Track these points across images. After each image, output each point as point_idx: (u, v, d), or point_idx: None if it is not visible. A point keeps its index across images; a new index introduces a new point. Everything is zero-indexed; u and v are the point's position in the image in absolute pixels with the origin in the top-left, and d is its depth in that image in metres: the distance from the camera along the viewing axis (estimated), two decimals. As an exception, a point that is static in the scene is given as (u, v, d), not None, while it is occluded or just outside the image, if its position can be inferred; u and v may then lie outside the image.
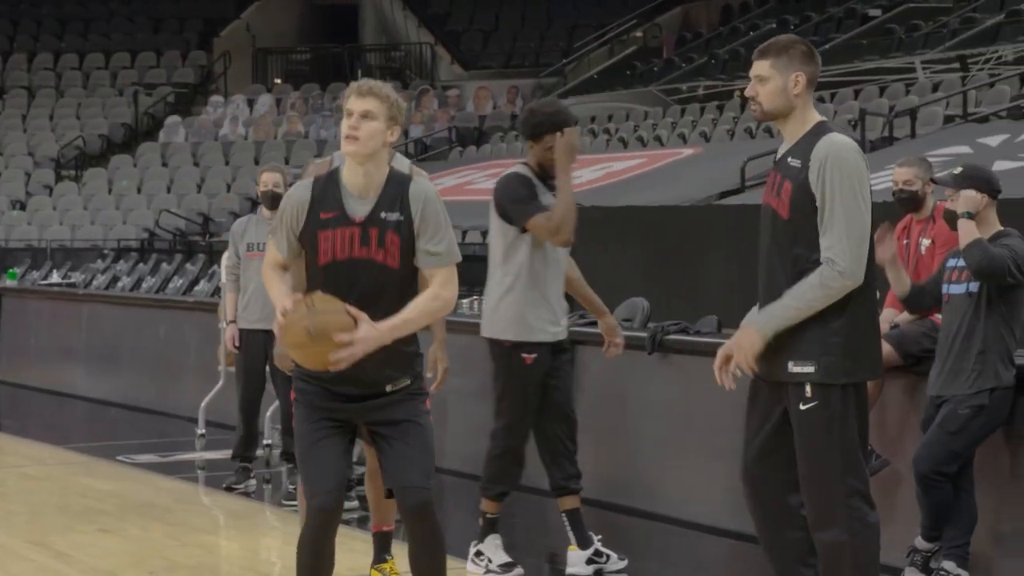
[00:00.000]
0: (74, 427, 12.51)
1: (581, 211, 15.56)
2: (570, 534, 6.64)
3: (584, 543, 6.63)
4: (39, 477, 9.71)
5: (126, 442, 10.92)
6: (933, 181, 6.30)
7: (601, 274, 12.54)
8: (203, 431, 10.57)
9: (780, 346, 4.79)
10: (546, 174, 6.45)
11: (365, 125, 4.70)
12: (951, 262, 6.10)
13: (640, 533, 7.63)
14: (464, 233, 14.97)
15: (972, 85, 16.69)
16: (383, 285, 4.70)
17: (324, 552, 4.79)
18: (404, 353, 4.79)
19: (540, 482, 8.47)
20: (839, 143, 4.77)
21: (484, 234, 15.91)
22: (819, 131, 4.82)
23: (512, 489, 6.67)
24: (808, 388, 4.77)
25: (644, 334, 7.93)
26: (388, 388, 4.78)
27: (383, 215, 4.72)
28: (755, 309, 4.98)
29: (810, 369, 4.76)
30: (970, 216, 5.93)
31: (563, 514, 6.65)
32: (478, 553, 6.66)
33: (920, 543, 6.05)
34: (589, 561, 6.62)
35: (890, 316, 6.52)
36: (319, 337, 4.54)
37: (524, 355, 6.41)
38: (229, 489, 8.90)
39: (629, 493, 7.97)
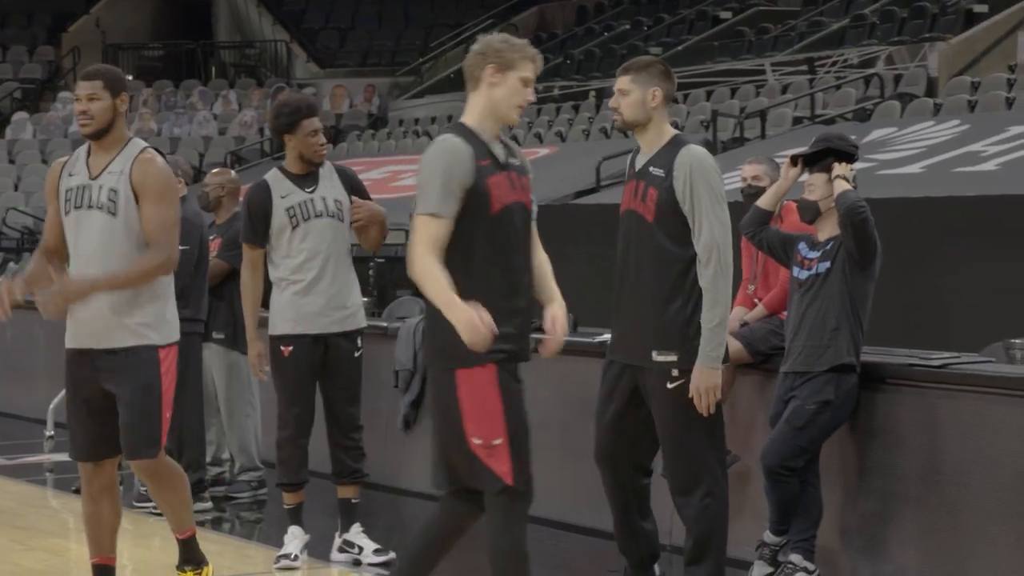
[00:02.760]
0: (-83, 430, 12.19)
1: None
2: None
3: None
4: None
5: (-29, 445, 10.68)
6: (793, 159, 6.28)
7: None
8: (52, 433, 10.37)
9: (644, 337, 5.47)
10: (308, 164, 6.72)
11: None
12: (802, 248, 6.16)
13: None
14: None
15: (819, 87, 17.04)
16: None
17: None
18: None
19: (397, 480, 8.48)
20: (699, 154, 5.46)
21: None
22: (677, 143, 5.52)
23: (301, 479, 6.76)
24: (675, 371, 5.45)
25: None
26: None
27: None
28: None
29: (673, 357, 5.45)
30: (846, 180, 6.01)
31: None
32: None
33: (768, 537, 6.17)
34: (341, 549, 6.85)
35: (740, 314, 6.62)
36: None
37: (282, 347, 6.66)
38: (78, 492, 8.70)
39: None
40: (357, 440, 6.81)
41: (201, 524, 7.65)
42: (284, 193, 6.67)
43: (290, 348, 6.64)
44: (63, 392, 10.19)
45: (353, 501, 6.83)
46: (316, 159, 6.70)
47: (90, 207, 5.41)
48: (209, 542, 7.21)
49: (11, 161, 23.95)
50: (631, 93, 5.53)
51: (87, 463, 5.58)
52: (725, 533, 5.64)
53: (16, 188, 23.04)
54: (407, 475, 8.50)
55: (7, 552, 7.08)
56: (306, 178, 6.70)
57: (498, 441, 4.79)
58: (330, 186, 6.73)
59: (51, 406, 10.41)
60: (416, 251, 4.68)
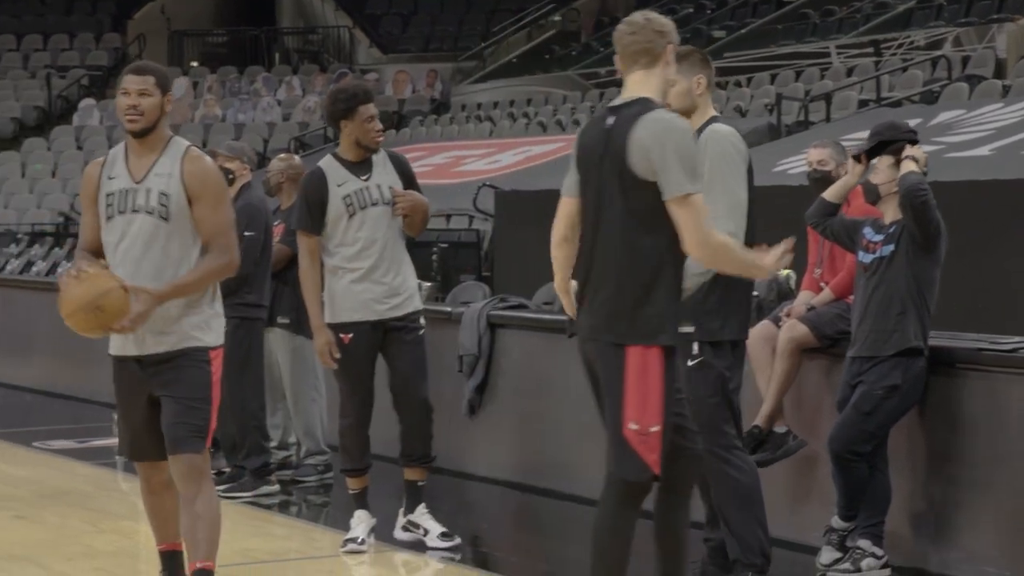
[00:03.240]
0: (-12, 414, 12.36)
1: (501, 195, 15.71)
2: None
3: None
4: (-47, 464, 9.59)
5: (42, 428, 10.80)
6: (855, 157, 6.27)
7: (521, 257, 12.60)
8: (120, 417, 10.47)
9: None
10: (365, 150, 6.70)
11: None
12: (867, 232, 6.13)
13: (560, 515, 7.67)
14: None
15: (885, 70, 16.89)
16: None
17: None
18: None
19: (463, 465, 8.51)
20: (720, 130, 5.54)
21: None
22: (708, 124, 5.57)
23: (364, 465, 6.79)
24: (695, 347, 5.50)
25: (564, 317, 7.95)
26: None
27: None
28: None
29: (689, 329, 5.39)
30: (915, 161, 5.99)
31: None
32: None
33: (836, 522, 6.14)
34: (404, 528, 6.90)
35: (806, 299, 6.59)
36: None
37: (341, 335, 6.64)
38: (147, 475, 8.83)
39: (548, 475, 8.01)
40: (427, 423, 6.80)
41: (268, 508, 7.73)
42: (340, 181, 6.65)
43: (350, 336, 6.63)
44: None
45: (419, 483, 6.84)
46: (373, 145, 6.69)
47: (135, 211, 5.17)
48: (276, 525, 7.29)
49: (79, 147, 24.19)
50: (677, 83, 5.46)
51: (143, 462, 5.43)
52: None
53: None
54: (471, 459, 8.53)
55: (79, 534, 7.17)
56: (361, 165, 6.69)
57: (655, 428, 4.69)
58: (384, 173, 6.72)
59: (120, 390, 10.51)
60: (702, 230, 4.62)
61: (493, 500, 8.18)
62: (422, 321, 6.79)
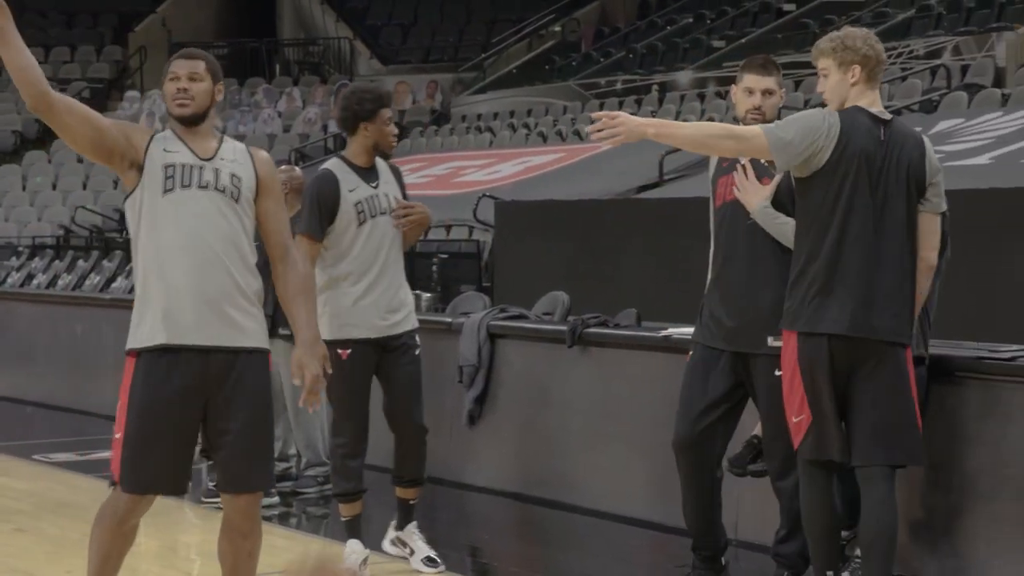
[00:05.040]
0: (-11, 426, 12.36)
1: (501, 205, 15.70)
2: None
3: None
4: (-46, 477, 9.59)
5: (42, 441, 10.81)
6: None
7: (521, 268, 12.61)
8: (121, 429, 10.47)
9: (760, 322, 5.54)
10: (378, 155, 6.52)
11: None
12: None
13: (561, 526, 7.67)
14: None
15: (885, 79, 16.90)
16: None
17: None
18: None
19: (463, 475, 8.51)
20: None
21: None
22: None
23: (358, 489, 6.50)
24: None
25: (564, 327, 7.97)
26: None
27: None
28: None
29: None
30: None
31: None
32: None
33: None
34: (393, 543, 6.77)
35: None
36: None
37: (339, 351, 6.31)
38: (148, 487, 8.83)
39: (549, 486, 8.01)
40: (422, 446, 6.58)
41: (268, 519, 7.72)
42: (352, 187, 6.40)
43: (348, 352, 6.34)
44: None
45: (411, 502, 6.67)
46: (389, 150, 6.50)
47: (203, 187, 4.83)
48: (276, 537, 7.28)
49: (80, 160, 24.21)
50: (777, 92, 5.80)
51: (148, 495, 4.92)
52: None
53: (85, 187, 23.30)
54: (471, 470, 8.53)
55: (80, 547, 7.14)
56: (369, 172, 6.46)
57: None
58: (389, 182, 6.52)
59: (120, 402, 10.52)
60: None
61: (493, 511, 8.18)
62: (418, 339, 6.56)
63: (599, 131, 5.23)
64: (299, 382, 4.98)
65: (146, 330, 4.82)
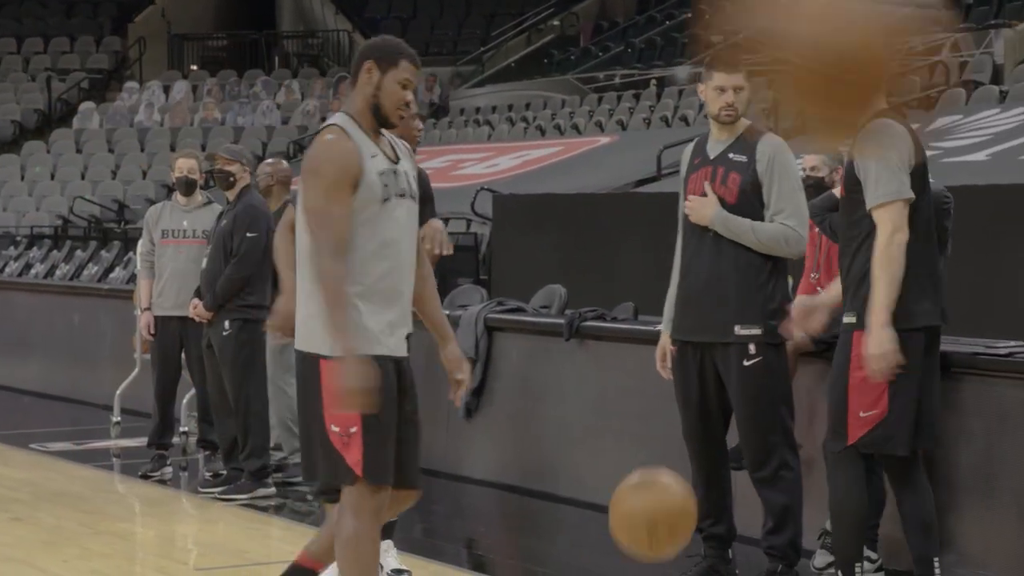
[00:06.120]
0: (-14, 416, 12.36)
1: (499, 198, 15.69)
2: None
3: None
4: (-50, 466, 9.60)
5: (40, 430, 10.81)
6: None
7: (519, 261, 12.62)
8: (118, 419, 10.49)
9: (729, 313, 5.68)
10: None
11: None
12: None
13: (555, 518, 7.69)
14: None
15: (884, 75, 16.87)
16: None
17: None
18: None
19: (459, 468, 8.52)
20: (780, 142, 5.81)
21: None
22: (756, 132, 5.86)
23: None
24: (752, 347, 5.68)
25: (561, 320, 7.98)
26: None
27: None
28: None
29: (757, 331, 5.68)
30: None
31: None
32: None
33: (831, 525, 6.14)
34: None
35: (803, 303, 6.60)
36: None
37: None
38: (145, 477, 8.85)
39: (545, 479, 8.02)
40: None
41: (264, 510, 7.75)
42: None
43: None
44: (130, 378, 10.43)
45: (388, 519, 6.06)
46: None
47: (401, 196, 4.62)
48: (274, 527, 7.30)
49: (79, 151, 24.19)
50: (746, 89, 5.89)
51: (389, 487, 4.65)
52: (800, 504, 5.86)
53: (83, 177, 23.28)
54: (468, 463, 8.54)
55: (76, 536, 7.18)
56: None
57: None
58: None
59: (118, 392, 10.53)
60: None
61: (490, 503, 8.20)
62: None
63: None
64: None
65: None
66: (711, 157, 5.88)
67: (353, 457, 4.49)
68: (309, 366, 4.56)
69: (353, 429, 4.48)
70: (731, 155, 5.82)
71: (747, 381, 5.73)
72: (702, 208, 5.77)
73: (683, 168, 6.03)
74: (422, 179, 5.56)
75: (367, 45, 4.72)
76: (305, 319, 4.58)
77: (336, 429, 4.50)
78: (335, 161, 4.52)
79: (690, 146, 6.07)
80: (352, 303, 4.49)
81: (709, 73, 5.86)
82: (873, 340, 5.12)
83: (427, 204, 5.96)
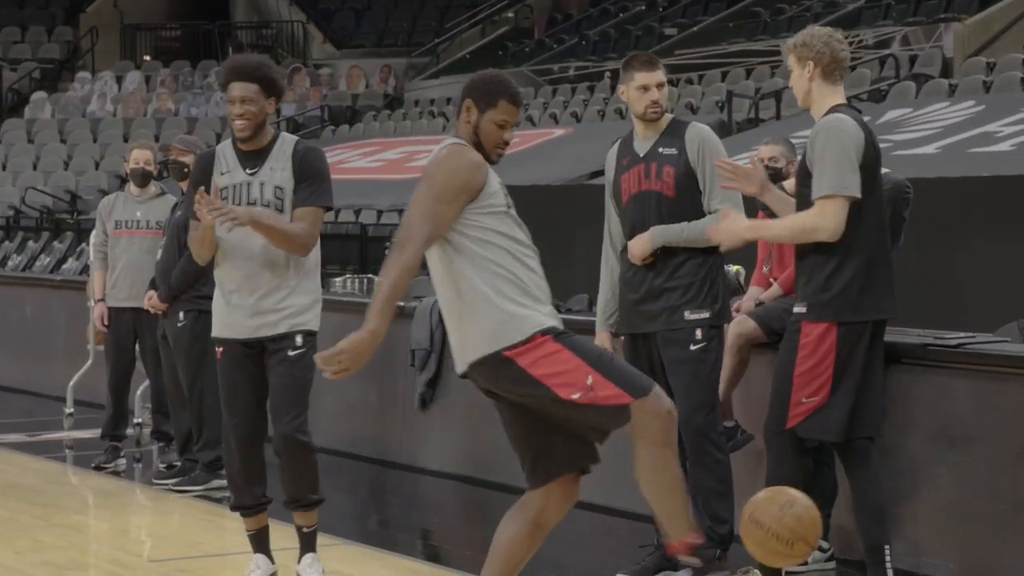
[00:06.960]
0: (-63, 408, 12.29)
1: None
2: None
3: None
4: (-98, 459, 9.54)
5: (-8, 423, 10.77)
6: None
7: (473, 253, 12.60)
8: (71, 410, 10.46)
9: (674, 301, 5.83)
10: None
11: None
12: None
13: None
14: (337, 212, 14.94)
15: (835, 68, 16.98)
16: None
17: None
18: None
19: (415, 459, 8.54)
20: (707, 128, 5.92)
21: (357, 213, 15.89)
22: (680, 123, 5.98)
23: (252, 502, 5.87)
24: (699, 332, 5.81)
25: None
26: None
27: None
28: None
29: (705, 315, 5.81)
30: None
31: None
32: None
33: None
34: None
35: (755, 294, 6.66)
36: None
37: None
38: (98, 468, 8.83)
39: (501, 469, 8.05)
40: (293, 457, 5.74)
41: (219, 501, 7.74)
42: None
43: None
44: (83, 369, 10.39)
45: (304, 530, 5.82)
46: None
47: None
48: (227, 519, 7.29)
49: (30, 141, 24.02)
50: (666, 85, 6.01)
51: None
52: (731, 488, 6.04)
53: (35, 167, 23.12)
54: (423, 454, 8.57)
55: (29, 528, 7.15)
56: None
57: None
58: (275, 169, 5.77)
59: (71, 383, 10.49)
60: None
61: (445, 494, 8.22)
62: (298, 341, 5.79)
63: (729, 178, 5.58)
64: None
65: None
66: (641, 155, 5.96)
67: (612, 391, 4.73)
68: (506, 365, 4.81)
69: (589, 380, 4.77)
70: (661, 149, 5.91)
71: (693, 366, 5.82)
72: (637, 246, 5.95)
73: (610, 170, 6.11)
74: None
75: (470, 82, 4.72)
76: (477, 327, 4.80)
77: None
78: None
79: (614, 147, 6.15)
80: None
81: (629, 74, 5.92)
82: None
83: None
